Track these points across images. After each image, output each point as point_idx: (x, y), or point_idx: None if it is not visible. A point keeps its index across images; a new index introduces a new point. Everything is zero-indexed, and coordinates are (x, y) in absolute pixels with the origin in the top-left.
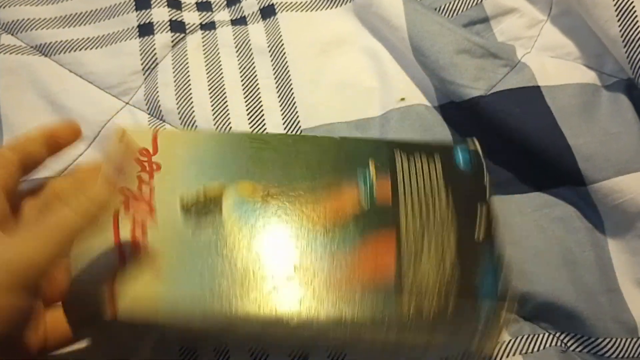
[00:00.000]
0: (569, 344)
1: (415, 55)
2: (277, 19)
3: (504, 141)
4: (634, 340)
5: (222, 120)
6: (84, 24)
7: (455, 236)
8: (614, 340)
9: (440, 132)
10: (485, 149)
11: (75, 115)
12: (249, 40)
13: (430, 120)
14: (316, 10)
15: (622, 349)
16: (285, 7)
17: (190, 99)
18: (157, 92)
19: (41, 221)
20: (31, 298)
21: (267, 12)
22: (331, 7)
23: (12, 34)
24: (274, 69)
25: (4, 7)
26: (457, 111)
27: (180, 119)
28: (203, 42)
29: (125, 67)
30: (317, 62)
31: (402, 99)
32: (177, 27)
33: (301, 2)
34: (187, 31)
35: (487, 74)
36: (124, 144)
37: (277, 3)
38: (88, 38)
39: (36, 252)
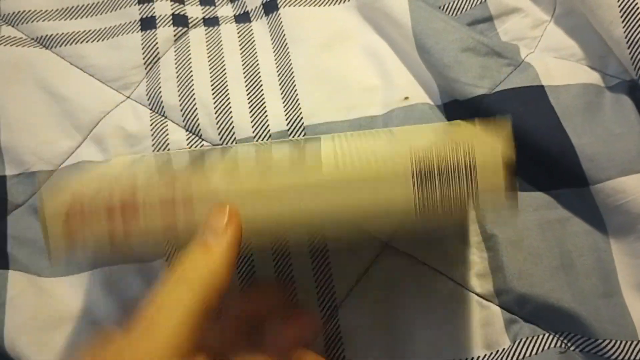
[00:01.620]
0: (569, 345)
1: (420, 52)
2: (279, 14)
3: None
4: (635, 343)
5: (224, 117)
6: (85, 17)
7: None
8: (614, 342)
9: None
10: None
11: (75, 106)
12: (253, 37)
13: (434, 119)
14: (319, 5)
15: (622, 351)
16: (288, 2)
17: (192, 95)
18: (159, 87)
19: None
20: None
21: (270, 7)
22: (334, 4)
23: (13, 26)
24: (277, 66)
25: None
26: (461, 110)
27: (182, 115)
28: (206, 37)
29: (127, 60)
30: (320, 60)
31: (406, 98)
32: (180, 20)
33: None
34: (190, 25)
35: (491, 72)
36: None
37: None
38: (89, 31)
39: None
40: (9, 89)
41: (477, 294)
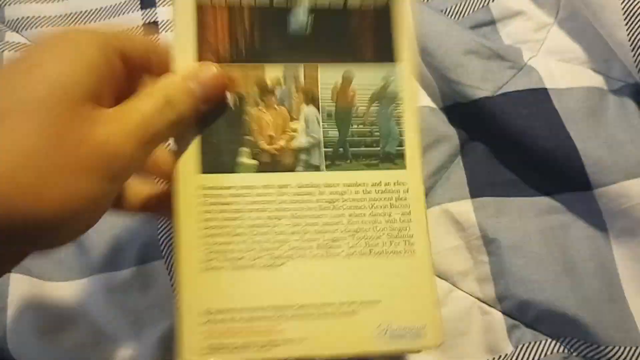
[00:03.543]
0: (572, 350)
1: (422, 55)
2: None
3: (510, 142)
4: (639, 349)
5: None
6: (89, 22)
7: None
8: (617, 347)
9: (446, 132)
10: (491, 150)
11: None
12: None
13: (436, 121)
14: None
15: (626, 357)
16: None
17: None
18: None
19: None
20: (110, 188)
21: None
22: None
23: (17, 32)
24: None
25: (9, 5)
26: (463, 112)
27: None
28: None
29: None
30: None
31: None
32: None
33: None
34: None
35: (494, 75)
36: None
37: None
38: None
39: (120, 144)
40: None
41: (479, 299)
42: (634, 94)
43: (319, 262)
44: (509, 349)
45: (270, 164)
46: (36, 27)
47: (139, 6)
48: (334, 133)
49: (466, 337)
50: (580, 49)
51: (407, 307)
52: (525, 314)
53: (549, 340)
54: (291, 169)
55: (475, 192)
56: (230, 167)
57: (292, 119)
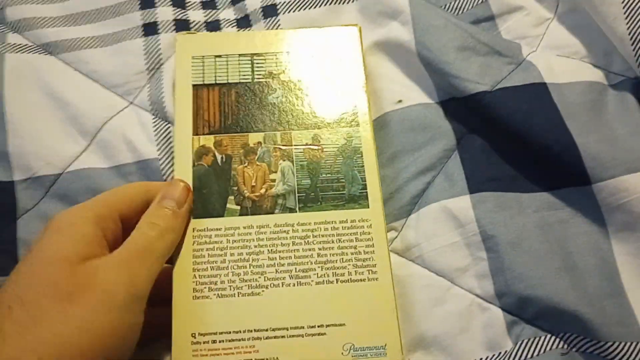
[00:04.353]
0: (572, 346)
1: (419, 48)
2: (278, 19)
3: (508, 137)
4: None
5: None
6: (89, 23)
7: None
8: (617, 343)
9: (441, 127)
10: (490, 145)
11: (79, 111)
12: None
13: (431, 117)
14: (318, 7)
15: (627, 352)
16: (288, 9)
17: None
18: (162, 93)
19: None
20: (142, 314)
21: (269, 12)
22: (337, 4)
23: (19, 33)
24: None
25: (10, 6)
26: (460, 106)
27: None
28: None
29: (130, 66)
30: None
31: (400, 101)
32: (182, 25)
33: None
34: (192, 30)
35: (492, 70)
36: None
37: (279, 3)
38: (92, 37)
39: (137, 275)
40: (16, 95)
41: (478, 296)
42: (634, 89)
43: (291, 291)
44: (508, 345)
45: (252, 208)
46: (37, 28)
47: (139, 6)
48: (306, 181)
49: (465, 334)
50: (580, 43)
51: (370, 328)
52: (524, 310)
53: (549, 336)
54: (270, 212)
55: (474, 187)
56: (218, 212)
57: (271, 172)
